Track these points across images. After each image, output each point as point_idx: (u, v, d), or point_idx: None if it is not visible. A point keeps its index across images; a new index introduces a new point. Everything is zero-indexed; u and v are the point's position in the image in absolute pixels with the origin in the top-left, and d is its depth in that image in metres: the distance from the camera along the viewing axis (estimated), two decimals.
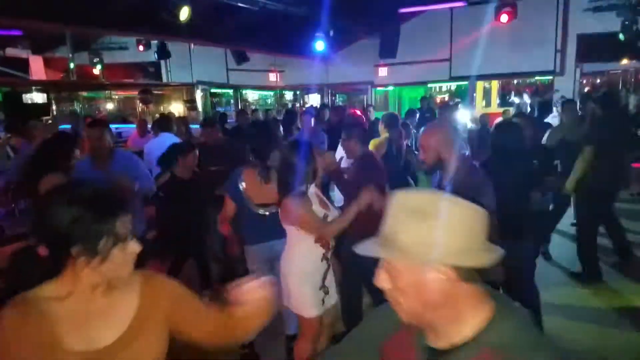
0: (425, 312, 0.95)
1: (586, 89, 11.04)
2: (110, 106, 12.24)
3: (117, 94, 12.20)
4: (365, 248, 0.96)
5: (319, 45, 8.74)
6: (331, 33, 8.86)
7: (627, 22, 8.23)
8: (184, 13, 6.06)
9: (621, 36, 8.36)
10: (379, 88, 12.67)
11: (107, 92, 11.97)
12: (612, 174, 4.29)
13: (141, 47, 9.18)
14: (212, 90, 11.82)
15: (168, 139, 5.16)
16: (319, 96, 13.39)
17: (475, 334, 0.93)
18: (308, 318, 2.57)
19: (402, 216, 0.94)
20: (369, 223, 2.53)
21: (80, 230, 1.10)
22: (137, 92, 11.10)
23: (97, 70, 10.60)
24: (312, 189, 2.65)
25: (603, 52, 10.76)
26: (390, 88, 12.99)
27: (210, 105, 11.68)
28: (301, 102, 13.81)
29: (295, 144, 2.65)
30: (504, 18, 8.20)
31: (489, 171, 2.56)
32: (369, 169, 3.19)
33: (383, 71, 11.67)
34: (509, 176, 2.70)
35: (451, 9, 10.26)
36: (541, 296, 3.32)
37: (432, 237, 0.90)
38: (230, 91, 12.29)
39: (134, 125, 9.26)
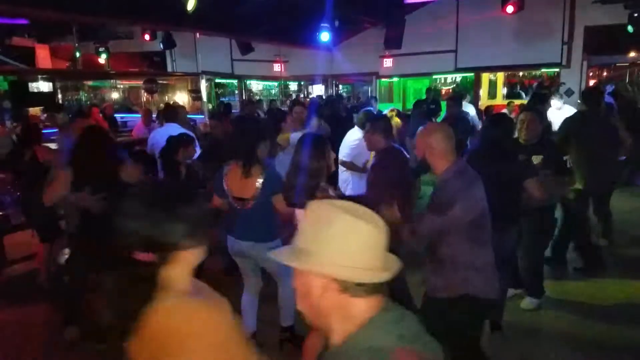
0: (312, 315, 1.03)
1: (592, 82, 10.96)
2: (115, 95, 12.28)
3: (122, 84, 12.23)
4: (281, 254, 1.03)
5: (324, 36, 8.72)
6: (336, 23, 8.83)
7: (635, 14, 8.15)
8: (191, 3, 6.08)
9: (629, 28, 8.29)
10: (383, 79, 12.61)
11: (112, 81, 12.00)
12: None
13: (147, 37, 9.19)
14: (217, 81, 11.83)
15: (173, 129, 5.09)
16: (323, 87, 13.37)
17: (346, 340, 0.98)
18: None
19: (307, 223, 1.01)
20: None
21: (187, 226, 1.18)
22: (142, 82, 11.13)
23: (102, 60, 10.62)
24: (324, 185, 2.68)
25: (610, 44, 10.66)
26: (395, 79, 12.94)
27: (215, 95, 11.70)
28: (305, 92, 13.79)
29: (311, 140, 2.70)
30: (510, 9, 8.15)
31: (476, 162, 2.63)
32: (393, 165, 3.25)
33: (388, 62, 11.63)
34: (491, 169, 2.72)
35: None
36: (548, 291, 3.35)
37: (320, 247, 0.95)
38: (235, 81, 12.29)
39: (138, 115, 9.31)
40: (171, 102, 10.84)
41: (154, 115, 8.89)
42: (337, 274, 0.94)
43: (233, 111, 9.23)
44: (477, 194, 2.31)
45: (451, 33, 10.81)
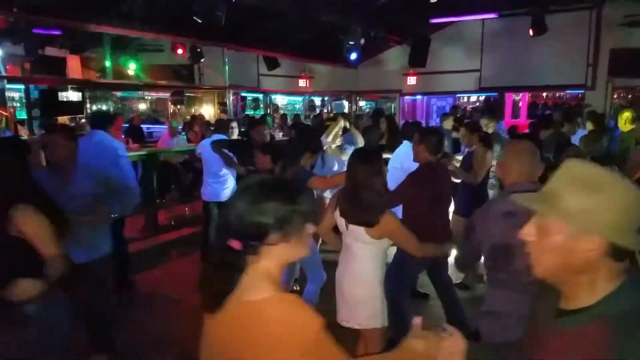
0: (563, 274, 1.01)
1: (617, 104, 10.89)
2: (143, 106, 12.55)
3: (150, 95, 12.50)
4: (525, 198, 1.02)
5: (353, 56, 8.86)
6: (362, 41, 8.97)
7: None
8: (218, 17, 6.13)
9: None
10: (407, 97, 12.70)
11: (140, 92, 12.28)
12: None
13: (180, 51, 9.39)
14: (243, 94, 12.04)
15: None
16: (347, 103, 13.52)
17: (598, 302, 0.98)
18: (375, 329, 2.62)
19: (572, 182, 0.99)
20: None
21: (278, 217, 1.20)
22: (169, 94, 11.38)
23: (131, 71, 10.90)
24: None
25: (636, 67, 10.61)
26: (419, 97, 13.01)
27: (242, 108, 11.91)
28: (329, 107, 13.94)
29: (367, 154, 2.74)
30: (535, 31, 8.22)
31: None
32: (424, 181, 3.32)
33: (412, 80, 11.73)
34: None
35: (482, 20, 10.25)
36: None
37: (599, 211, 0.94)
38: (260, 95, 12.49)
39: (165, 126, 9.50)
40: (197, 114, 11.07)
41: (180, 127, 9.10)
42: (618, 239, 0.94)
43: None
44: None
45: (475, 52, 10.88)
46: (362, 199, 2.49)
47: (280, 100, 13.02)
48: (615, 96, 11.02)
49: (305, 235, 1.27)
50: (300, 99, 13.36)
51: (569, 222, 0.98)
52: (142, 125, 10.44)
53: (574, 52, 9.93)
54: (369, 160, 2.57)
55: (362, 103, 14.10)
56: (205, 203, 5.43)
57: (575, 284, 1.01)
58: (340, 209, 2.64)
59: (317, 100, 13.78)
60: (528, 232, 1.04)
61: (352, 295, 2.62)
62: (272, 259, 1.24)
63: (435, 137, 3.41)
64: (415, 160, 3.47)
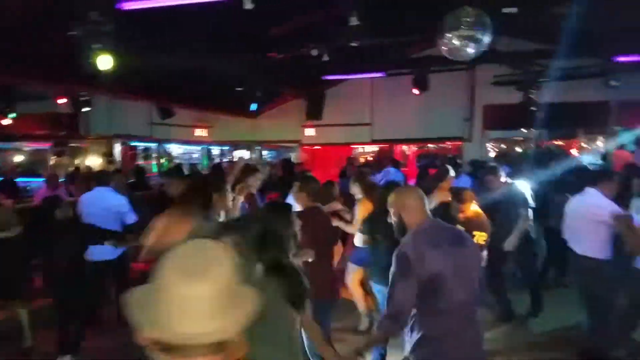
0: None
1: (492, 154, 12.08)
2: (19, 158, 11.40)
3: (29, 146, 11.44)
4: None
5: (250, 105, 8.92)
6: (258, 94, 9.11)
7: (526, 96, 9.27)
8: (106, 63, 5.68)
9: (521, 107, 9.37)
10: (306, 147, 12.99)
11: (17, 143, 11.18)
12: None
13: (62, 100, 8.75)
14: (133, 144, 11.45)
15: (107, 193, 5.15)
16: (247, 152, 13.47)
17: None
18: None
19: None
20: None
21: None
22: (50, 144, 10.52)
23: (7, 120, 9.91)
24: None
25: (506, 121, 11.94)
26: (318, 147, 13.37)
27: (132, 159, 11.27)
28: (230, 157, 13.77)
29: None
30: (417, 89, 8.95)
31: None
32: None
33: (310, 131, 12.06)
34: None
35: (371, 78, 10.98)
36: None
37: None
38: (154, 145, 11.97)
39: (43, 179, 8.67)
40: (81, 166, 10.28)
41: (61, 180, 8.35)
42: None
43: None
44: (434, 258, 2.33)
45: (367, 108, 11.55)
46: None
47: (176, 149, 12.59)
48: (489, 147, 12.25)
49: None
50: (198, 148, 13.05)
51: None
52: (17, 179, 9.44)
53: (453, 108, 10.95)
54: (281, 212, 2.62)
55: (264, 152, 14.18)
56: (91, 264, 4.83)
57: None
58: None
59: (216, 150, 13.56)
60: None
61: None
62: None
63: (315, 184, 3.70)
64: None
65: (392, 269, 2.34)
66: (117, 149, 10.15)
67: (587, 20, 6.37)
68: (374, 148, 13.17)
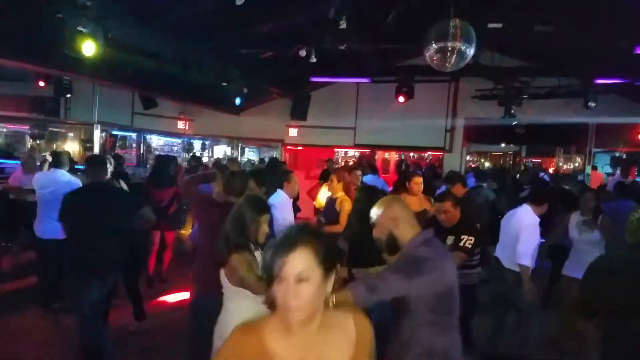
0: None
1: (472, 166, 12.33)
2: None
3: (6, 127, 11.18)
4: None
5: (235, 100, 8.86)
6: (245, 91, 9.06)
7: (506, 111, 9.46)
8: (90, 48, 5.62)
9: (501, 122, 9.57)
10: (289, 147, 13.01)
11: None
12: None
13: (41, 83, 8.60)
14: (114, 132, 11.29)
15: (60, 175, 5.19)
16: (228, 148, 13.41)
17: None
18: None
19: None
20: None
21: None
22: (28, 127, 10.32)
23: None
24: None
25: (486, 135, 12.19)
26: (300, 148, 13.40)
27: (111, 146, 11.10)
28: (210, 152, 13.68)
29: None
30: (402, 98, 9.06)
31: None
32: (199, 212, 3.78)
33: (294, 131, 12.07)
34: None
35: (357, 83, 11.06)
36: None
37: None
38: (134, 135, 11.83)
39: (19, 162, 8.48)
40: (59, 150, 10.08)
41: (38, 163, 8.18)
42: None
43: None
44: (447, 268, 2.16)
45: (351, 112, 11.63)
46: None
47: (157, 140, 12.45)
48: (469, 158, 12.49)
49: None
50: (179, 141, 12.92)
51: None
52: None
53: (436, 118, 11.10)
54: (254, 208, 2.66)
55: (247, 150, 14.13)
56: (41, 241, 4.93)
57: None
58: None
59: (198, 144, 13.44)
60: None
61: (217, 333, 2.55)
62: None
63: (238, 179, 3.62)
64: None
65: (403, 263, 2.14)
66: (97, 136, 10.00)
67: (569, 41, 6.58)
68: (356, 152, 13.27)
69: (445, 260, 2.19)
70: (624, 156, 12.54)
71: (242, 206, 2.67)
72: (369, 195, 3.74)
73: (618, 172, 11.39)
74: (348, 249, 3.79)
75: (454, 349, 2.18)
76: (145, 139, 11.83)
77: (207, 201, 3.60)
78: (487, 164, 16.28)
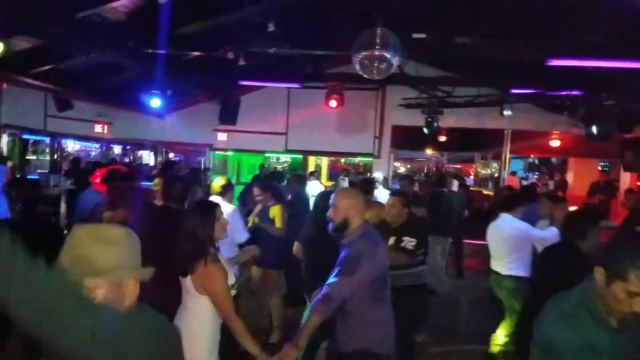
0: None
1: (398, 171, 12.73)
2: None
3: None
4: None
5: (154, 102, 8.44)
6: (169, 92, 8.68)
7: (430, 119, 9.84)
8: None
9: (425, 130, 9.93)
10: (217, 152, 12.65)
11: None
12: None
13: None
14: (25, 137, 10.34)
15: None
16: (152, 153, 12.78)
17: None
18: None
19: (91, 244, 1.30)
20: None
21: None
22: None
23: None
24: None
25: (412, 142, 12.63)
26: (230, 153, 13.09)
27: (20, 152, 10.14)
28: (131, 157, 12.97)
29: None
30: (333, 103, 9.11)
31: None
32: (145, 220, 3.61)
33: (222, 136, 11.74)
34: None
35: (288, 88, 11.01)
36: None
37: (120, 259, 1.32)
38: (47, 139, 10.90)
39: None
40: None
41: None
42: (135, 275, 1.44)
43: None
44: (379, 254, 2.71)
45: (282, 117, 11.55)
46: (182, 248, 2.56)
47: (73, 145, 11.58)
48: (397, 164, 12.88)
49: None
50: (97, 145, 12.10)
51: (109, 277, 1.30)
52: None
53: (365, 125, 11.33)
54: (203, 211, 2.66)
55: (171, 155, 13.56)
56: None
57: None
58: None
59: (118, 148, 12.69)
60: None
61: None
62: None
63: (178, 185, 3.64)
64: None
65: (344, 264, 2.61)
66: (4, 140, 9.10)
67: (488, 53, 6.97)
68: (288, 158, 13.21)
69: (377, 248, 2.74)
70: (537, 161, 13.58)
71: (193, 217, 2.65)
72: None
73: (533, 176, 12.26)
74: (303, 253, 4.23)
75: (387, 319, 2.75)
76: (60, 143, 10.94)
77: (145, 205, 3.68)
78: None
